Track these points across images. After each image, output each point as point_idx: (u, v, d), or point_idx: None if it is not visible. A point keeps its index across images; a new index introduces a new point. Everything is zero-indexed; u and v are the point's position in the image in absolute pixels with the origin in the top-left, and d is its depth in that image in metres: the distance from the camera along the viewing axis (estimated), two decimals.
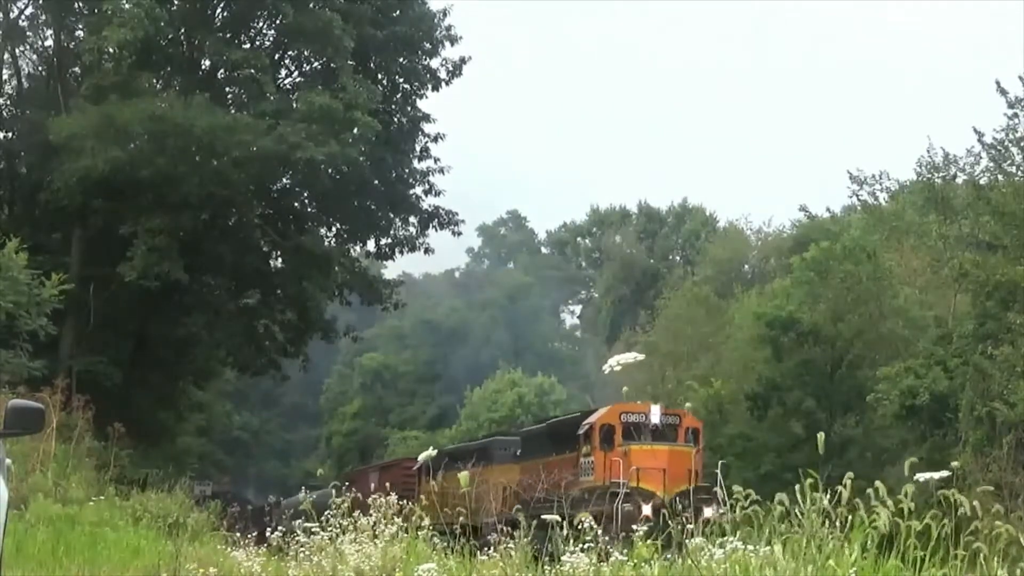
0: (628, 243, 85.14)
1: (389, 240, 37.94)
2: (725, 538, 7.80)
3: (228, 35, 34.97)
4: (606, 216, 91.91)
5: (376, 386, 79.18)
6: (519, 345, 78.26)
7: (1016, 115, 29.68)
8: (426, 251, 37.99)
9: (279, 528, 12.38)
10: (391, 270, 43.73)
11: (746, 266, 59.53)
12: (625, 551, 8.53)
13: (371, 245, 38.46)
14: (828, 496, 6.91)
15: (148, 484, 20.91)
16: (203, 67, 35.22)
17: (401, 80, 37.34)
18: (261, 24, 36.07)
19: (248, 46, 35.09)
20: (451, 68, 36.77)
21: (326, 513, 11.38)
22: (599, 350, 72.37)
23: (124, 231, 31.22)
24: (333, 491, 11.39)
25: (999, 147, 31.01)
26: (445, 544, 10.32)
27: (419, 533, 10.51)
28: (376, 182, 35.94)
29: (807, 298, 36.28)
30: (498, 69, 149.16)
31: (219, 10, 35.17)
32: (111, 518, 16.49)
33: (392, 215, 37.56)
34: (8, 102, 38.13)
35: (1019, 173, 30.04)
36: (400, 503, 11.19)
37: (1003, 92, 29.39)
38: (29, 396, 15.11)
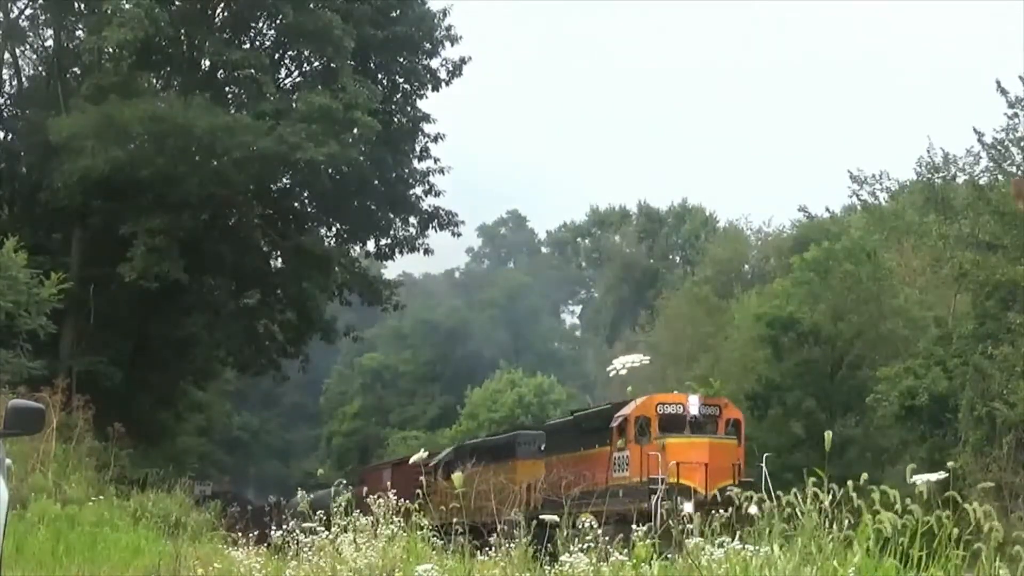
0: (628, 243, 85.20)
1: (389, 240, 37.95)
2: (724, 538, 7.80)
3: (228, 35, 34.97)
4: (606, 216, 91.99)
5: (376, 386, 79.22)
6: (519, 345, 78.36)
7: (1016, 115, 29.68)
8: (426, 252, 38.04)
9: (288, 525, 12.13)
10: (391, 270, 43.82)
11: (746, 266, 59.50)
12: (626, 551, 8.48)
13: (371, 245, 38.50)
14: (830, 496, 6.90)
15: (148, 484, 20.91)
16: (203, 67, 35.20)
17: (401, 80, 37.33)
18: (261, 24, 36.08)
19: (248, 46, 35.09)
20: (451, 68, 36.80)
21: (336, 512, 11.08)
22: (599, 350, 72.45)
23: (124, 231, 31.21)
24: (342, 489, 11.22)
25: (999, 147, 31.00)
26: (465, 544, 9.92)
27: (419, 533, 10.46)
28: (376, 182, 35.93)
29: (807, 298, 36.28)
30: (498, 69, 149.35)
31: (219, 10, 35.15)
32: (111, 518, 16.49)
33: (392, 215, 37.55)
34: (8, 102, 38.16)
35: (1019, 173, 30.01)
36: (415, 500, 10.63)
37: (1003, 92, 29.40)
38: (29, 396, 15.11)
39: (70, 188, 31.34)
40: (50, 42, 37.05)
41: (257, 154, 31.28)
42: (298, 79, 36.57)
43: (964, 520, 6.25)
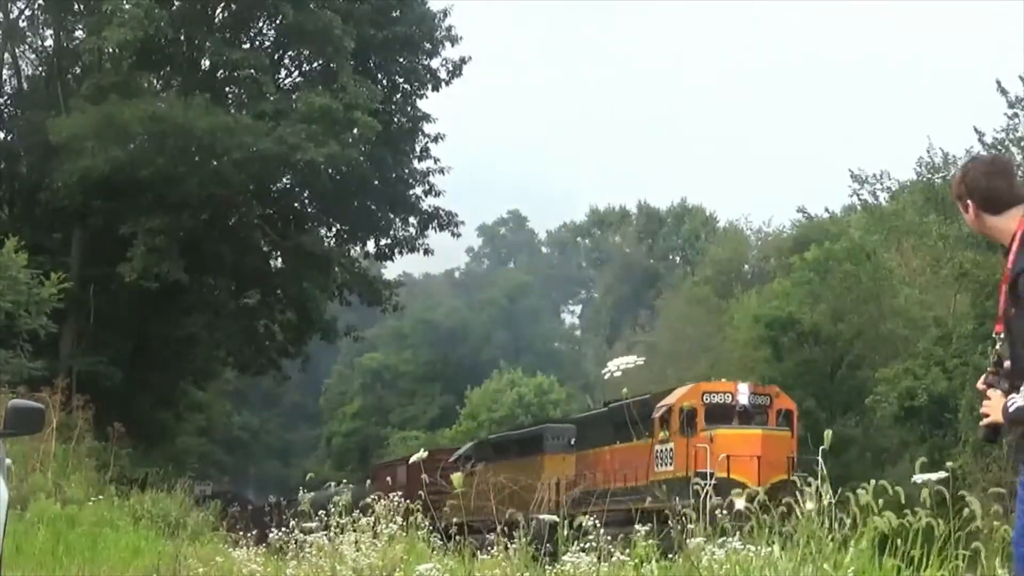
0: (628, 243, 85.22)
1: (389, 241, 37.93)
2: (725, 538, 7.78)
3: (228, 35, 34.96)
4: (606, 216, 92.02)
5: (376, 386, 79.16)
6: (519, 345, 78.29)
7: (1016, 115, 29.69)
8: (426, 252, 37.97)
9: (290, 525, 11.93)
10: (391, 270, 43.78)
11: (746, 266, 59.49)
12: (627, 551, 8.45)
13: (371, 246, 38.46)
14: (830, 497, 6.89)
15: (148, 484, 20.91)
16: (203, 67, 35.20)
17: (401, 80, 37.31)
18: (261, 24, 36.08)
19: (248, 46, 35.10)
20: (451, 68, 36.77)
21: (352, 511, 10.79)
22: (599, 350, 72.47)
23: (124, 231, 31.20)
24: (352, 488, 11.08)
25: (999, 147, 30.98)
26: (464, 544, 9.54)
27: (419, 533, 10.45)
28: (376, 182, 35.92)
29: (807, 298, 36.28)
30: (499, 69, 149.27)
31: (219, 10, 35.15)
32: (111, 518, 16.48)
33: (392, 215, 37.52)
34: (8, 102, 38.14)
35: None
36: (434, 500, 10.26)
37: (1003, 92, 29.41)
38: (29, 396, 15.09)
39: (70, 188, 31.34)
40: (50, 42, 37.09)
41: (257, 154, 31.28)
42: (298, 79, 36.58)
43: (964, 520, 6.25)
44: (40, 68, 38.05)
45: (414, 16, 35.96)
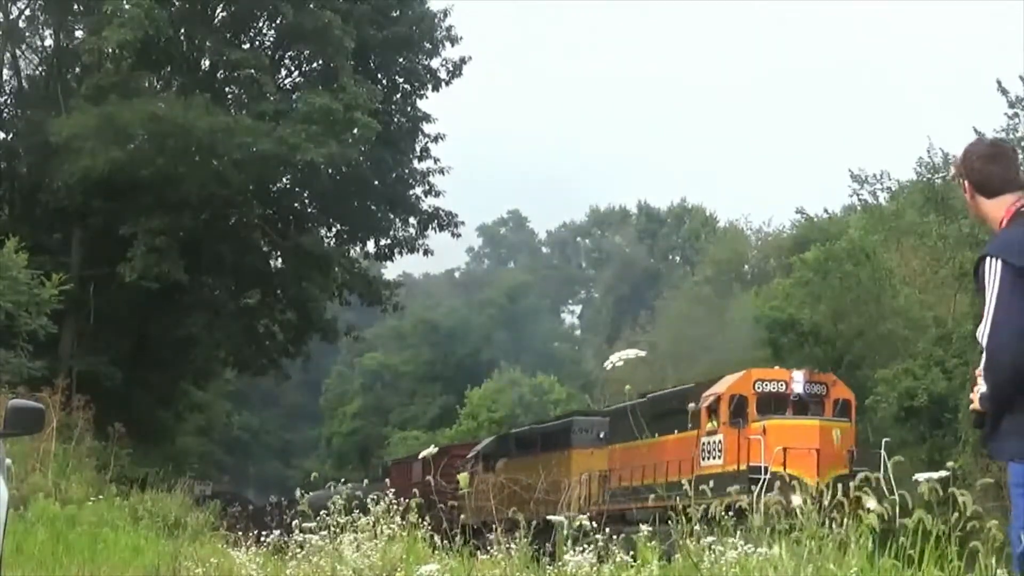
0: (628, 243, 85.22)
1: (389, 241, 37.94)
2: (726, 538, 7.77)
3: (228, 35, 34.97)
4: (606, 216, 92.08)
5: (376, 386, 79.13)
6: (519, 345, 78.21)
7: (1016, 115, 29.69)
8: (426, 252, 38.00)
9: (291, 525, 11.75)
10: (391, 270, 43.77)
11: (746, 266, 59.50)
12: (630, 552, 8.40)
13: (371, 246, 38.49)
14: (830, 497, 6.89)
15: (148, 484, 20.93)
16: (203, 67, 35.23)
17: (401, 80, 37.33)
18: (261, 24, 36.09)
19: (248, 46, 35.12)
20: (451, 68, 36.79)
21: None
22: (599, 350, 72.37)
23: (124, 231, 31.21)
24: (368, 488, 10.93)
25: None
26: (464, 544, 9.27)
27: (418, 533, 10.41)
28: (376, 182, 35.94)
29: (807, 298, 36.27)
30: (499, 69, 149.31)
31: (219, 10, 35.16)
32: (111, 518, 16.49)
33: (392, 216, 37.54)
34: (8, 102, 38.16)
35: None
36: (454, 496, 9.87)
37: (1003, 92, 29.41)
38: (29, 396, 15.11)
39: (70, 188, 31.35)
40: (50, 42, 37.10)
41: (257, 154, 31.30)
42: (298, 79, 36.61)
43: (964, 520, 6.24)
44: (40, 68, 38.04)
45: (414, 16, 35.99)
